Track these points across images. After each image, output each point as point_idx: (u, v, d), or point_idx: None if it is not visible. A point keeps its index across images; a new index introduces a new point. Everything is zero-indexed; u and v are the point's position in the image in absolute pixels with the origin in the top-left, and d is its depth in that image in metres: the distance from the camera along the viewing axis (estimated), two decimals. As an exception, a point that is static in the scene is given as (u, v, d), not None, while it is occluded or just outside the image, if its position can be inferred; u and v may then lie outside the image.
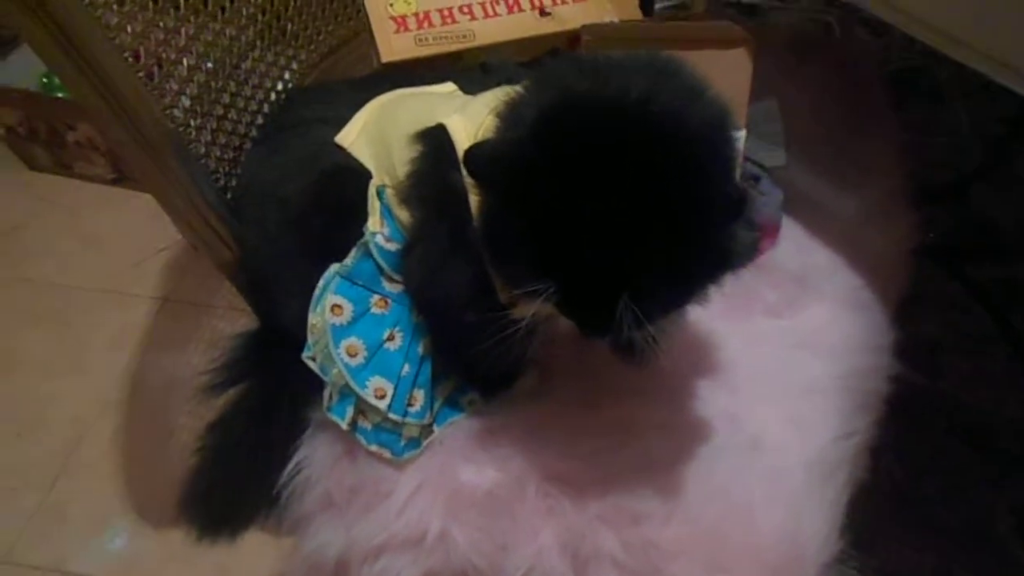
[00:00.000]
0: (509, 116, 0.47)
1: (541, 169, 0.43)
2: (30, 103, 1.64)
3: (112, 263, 1.57)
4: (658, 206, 0.43)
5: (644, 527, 0.59)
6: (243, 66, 0.66)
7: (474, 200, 0.50)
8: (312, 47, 0.75)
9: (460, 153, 0.52)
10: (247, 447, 0.68)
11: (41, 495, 1.24)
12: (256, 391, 0.68)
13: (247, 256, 0.65)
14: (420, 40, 0.72)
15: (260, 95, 0.69)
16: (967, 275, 1.35)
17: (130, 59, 0.52)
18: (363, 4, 0.73)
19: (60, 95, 1.65)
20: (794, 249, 0.76)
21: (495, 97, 0.52)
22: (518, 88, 0.49)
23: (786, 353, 0.69)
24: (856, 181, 0.80)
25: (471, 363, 0.62)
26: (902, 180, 0.82)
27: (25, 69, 1.71)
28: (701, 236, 0.44)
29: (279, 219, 0.61)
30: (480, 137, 0.52)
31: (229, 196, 0.65)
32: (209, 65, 0.60)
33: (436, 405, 0.64)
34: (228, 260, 0.64)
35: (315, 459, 0.65)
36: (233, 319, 1.49)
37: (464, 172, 0.50)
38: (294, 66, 0.73)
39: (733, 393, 0.66)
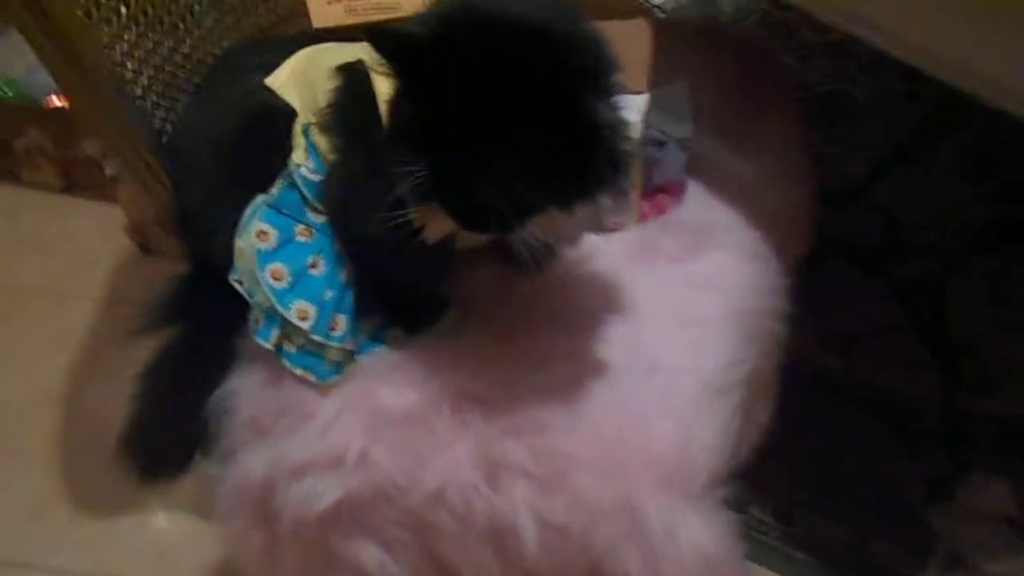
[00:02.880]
0: (416, 21, 0.53)
1: (432, 57, 0.49)
2: (-26, 109, 1.67)
3: (59, 266, 1.58)
4: (520, 102, 0.49)
5: (549, 437, 0.64)
6: (180, 26, 0.71)
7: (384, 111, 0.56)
8: (251, 19, 0.81)
9: (381, 96, 0.58)
10: (180, 385, 0.72)
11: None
12: (187, 329, 0.71)
13: (181, 193, 0.69)
14: (350, 10, 0.78)
15: (199, 55, 0.74)
16: (877, 271, 1.45)
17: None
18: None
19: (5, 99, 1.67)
20: (697, 207, 0.82)
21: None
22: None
23: (686, 292, 0.74)
24: (758, 149, 0.88)
25: (391, 290, 0.67)
26: (800, 153, 0.90)
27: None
28: (558, 120, 0.49)
29: (210, 156, 0.66)
30: None
31: (166, 140, 0.70)
32: (144, 16, 0.66)
33: (360, 338, 0.69)
34: (163, 200, 0.69)
35: (242, 388, 0.69)
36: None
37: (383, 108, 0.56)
38: (234, 35, 0.79)
39: (635, 327, 0.71)
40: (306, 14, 0.80)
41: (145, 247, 1.62)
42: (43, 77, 1.78)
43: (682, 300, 0.74)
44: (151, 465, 0.73)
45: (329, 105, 0.62)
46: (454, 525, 0.65)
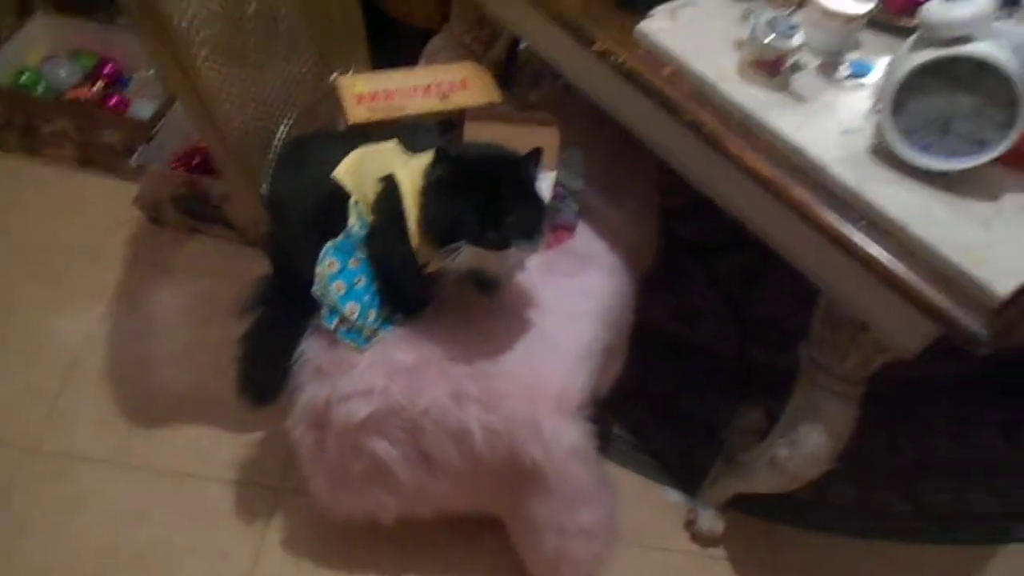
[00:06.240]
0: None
1: (461, 167, 0.99)
2: (9, 99, 2.00)
3: (83, 229, 1.95)
4: (509, 187, 0.99)
5: (492, 379, 1.14)
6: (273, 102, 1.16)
7: (412, 213, 1.03)
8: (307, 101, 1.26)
9: (404, 196, 1.04)
10: (272, 344, 1.19)
11: (49, 404, 1.65)
12: (275, 310, 1.18)
13: (277, 236, 1.16)
14: (371, 110, 1.23)
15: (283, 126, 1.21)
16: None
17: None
18: (337, 85, 1.23)
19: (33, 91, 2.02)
20: (583, 240, 1.32)
21: (425, 158, 1.05)
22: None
23: (574, 297, 1.25)
24: (623, 197, 1.38)
25: (403, 296, 1.15)
26: (653, 199, 1.41)
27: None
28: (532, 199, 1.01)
29: (299, 218, 1.13)
30: (416, 181, 1.05)
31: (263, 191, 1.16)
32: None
33: (380, 322, 1.16)
34: (255, 237, 1.15)
35: (311, 349, 1.16)
36: (191, 281, 1.90)
37: (405, 202, 1.04)
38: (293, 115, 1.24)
39: (544, 317, 1.21)
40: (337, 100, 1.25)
41: (156, 219, 1.99)
42: (63, 70, 2.10)
43: (571, 302, 1.24)
44: (258, 393, 1.20)
45: (375, 199, 1.09)
46: (434, 429, 1.15)
